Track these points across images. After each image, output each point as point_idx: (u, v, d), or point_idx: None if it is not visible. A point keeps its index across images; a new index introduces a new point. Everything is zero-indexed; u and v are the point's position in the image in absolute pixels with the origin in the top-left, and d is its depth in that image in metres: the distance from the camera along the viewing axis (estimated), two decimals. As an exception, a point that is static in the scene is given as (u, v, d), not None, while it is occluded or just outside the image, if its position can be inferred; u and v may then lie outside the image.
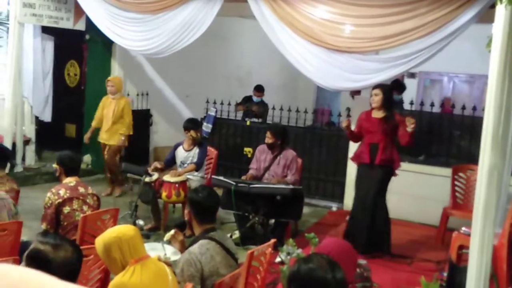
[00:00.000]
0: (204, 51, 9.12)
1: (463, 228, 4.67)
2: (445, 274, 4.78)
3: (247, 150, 8.10)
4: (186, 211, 3.68)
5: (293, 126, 7.87)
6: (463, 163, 6.47)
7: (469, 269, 3.80)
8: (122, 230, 2.93)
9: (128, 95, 8.69)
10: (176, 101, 9.68)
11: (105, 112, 7.45)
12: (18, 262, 3.04)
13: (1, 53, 7.97)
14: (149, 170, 6.08)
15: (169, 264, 3.15)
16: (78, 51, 8.76)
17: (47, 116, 8.68)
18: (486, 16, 4.80)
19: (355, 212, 5.71)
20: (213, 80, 9.84)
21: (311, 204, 7.47)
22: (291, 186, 5.76)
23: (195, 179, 6.30)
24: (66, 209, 4.27)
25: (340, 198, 7.59)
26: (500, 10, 3.59)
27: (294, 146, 7.14)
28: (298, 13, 5.91)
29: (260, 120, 8.70)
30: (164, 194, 6.04)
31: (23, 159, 8.05)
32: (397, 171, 5.64)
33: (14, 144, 7.64)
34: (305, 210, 6.40)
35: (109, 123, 7.39)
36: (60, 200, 4.25)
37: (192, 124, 6.43)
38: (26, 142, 8.08)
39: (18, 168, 7.86)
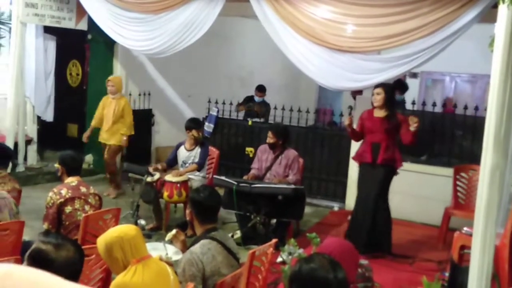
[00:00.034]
0: (206, 51, 9.12)
1: (465, 228, 4.67)
2: (447, 274, 4.77)
3: (249, 150, 8.10)
4: (187, 211, 3.68)
5: (295, 126, 7.86)
6: (465, 163, 6.46)
7: (470, 269, 3.80)
8: (124, 229, 2.93)
9: (130, 95, 8.70)
10: (178, 101, 9.69)
11: (105, 112, 7.45)
12: (19, 261, 3.04)
13: (4, 53, 7.99)
14: (151, 170, 6.08)
15: (171, 264, 3.15)
16: (80, 51, 8.77)
17: (49, 116, 8.69)
18: (489, 15, 4.79)
19: (357, 211, 5.70)
20: (215, 80, 9.84)
21: (313, 204, 7.46)
22: (292, 186, 5.75)
23: (196, 178, 6.30)
24: (68, 209, 4.27)
25: (341, 198, 7.58)
26: (503, 10, 3.59)
27: (296, 146, 7.14)
28: (300, 12, 5.91)
29: (262, 120, 8.70)
30: (165, 194, 6.04)
31: (25, 158, 8.06)
32: (398, 170, 5.63)
33: (16, 144, 7.64)
34: (307, 210, 6.39)
35: (109, 123, 7.39)
36: (62, 199, 4.25)
37: (194, 124, 6.43)
38: (28, 141, 8.09)
39: (20, 168, 7.87)
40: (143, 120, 8.93)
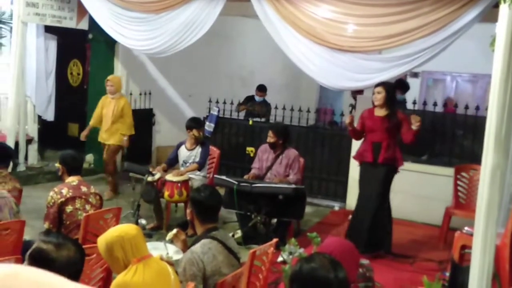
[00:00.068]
0: (207, 51, 9.12)
1: (466, 228, 4.67)
2: (448, 274, 4.77)
3: (250, 149, 8.10)
4: (188, 211, 3.68)
5: (296, 125, 7.86)
6: (466, 163, 6.46)
7: (471, 269, 3.79)
8: (125, 229, 2.93)
9: (130, 94, 8.71)
10: (179, 100, 9.69)
11: (105, 112, 7.42)
12: (20, 261, 3.04)
13: (4, 52, 7.99)
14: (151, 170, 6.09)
15: (171, 263, 3.15)
16: (81, 51, 8.77)
17: (50, 115, 8.69)
18: (490, 15, 4.79)
19: (359, 211, 5.69)
20: (215, 80, 9.84)
21: (314, 204, 7.46)
22: (293, 186, 5.75)
23: (197, 178, 6.30)
24: (69, 208, 4.27)
25: (342, 197, 7.58)
26: (504, 10, 3.58)
27: (297, 145, 7.14)
28: (301, 12, 5.91)
29: (262, 119, 8.70)
30: (166, 193, 6.04)
31: (26, 158, 8.07)
32: (399, 169, 5.63)
33: (16, 143, 7.65)
34: (308, 209, 6.39)
35: (108, 122, 7.37)
36: (63, 199, 4.25)
37: (194, 123, 6.43)
38: (29, 141, 8.10)
39: (21, 167, 7.88)
40: (143, 120, 8.93)
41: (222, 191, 5.39)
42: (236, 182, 5.78)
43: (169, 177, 6.12)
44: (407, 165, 5.99)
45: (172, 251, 3.90)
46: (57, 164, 4.54)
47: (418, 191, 6.86)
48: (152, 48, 7.20)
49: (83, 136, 7.60)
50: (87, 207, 4.36)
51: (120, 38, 7.46)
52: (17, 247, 3.83)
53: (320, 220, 6.92)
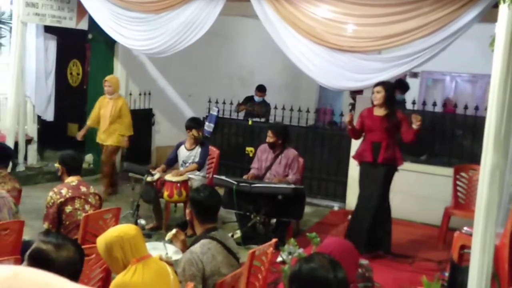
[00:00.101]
0: (207, 51, 9.12)
1: (465, 228, 4.67)
2: (447, 274, 4.77)
3: (249, 149, 8.10)
4: (187, 211, 3.68)
5: (295, 125, 7.86)
6: (465, 163, 6.46)
7: (470, 269, 3.79)
8: (124, 229, 2.93)
9: (130, 94, 8.71)
10: (179, 100, 9.69)
11: (102, 112, 7.41)
12: (19, 261, 3.04)
13: (4, 52, 7.99)
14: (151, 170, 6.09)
15: (171, 263, 3.15)
16: (81, 51, 8.77)
17: (49, 116, 8.69)
18: (489, 15, 4.79)
19: (359, 211, 5.67)
20: (215, 80, 9.84)
21: (313, 204, 7.46)
22: (292, 186, 5.75)
23: (197, 178, 6.30)
24: (68, 209, 4.27)
25: (342, 197, 7.58)
26: (503, 10, 3.58)
27: (296, 145, 7.14)
28: (301, 12, 5.91)
29: (262, 119, 8.70)
30: (165, 193, 6.04)
31: (25, 158, 8.06)
32: (398, 168, 5.63)
33: (16, 143, 7.64)
34: (307, 209, 6.40)
35: (106, 123, 7.35)
36: (62, 199, 4.25)
37: (194, 123, 6.43)
38: (28, 141, 8.10)
39: (20, 167, 7.87)
40: (143, 120, 8.93)
41: (221, 191, 5.39)
42: (235, 182, 5.78)
43: (169, 177, 6.12)
44: (407, 165, 5.99)
45: (172, 251, 3.90)
46: (56, 164, 4.54)
47: (417, 191, 6.86)
48: (152, 48, 7.20)
49: (80, 136, 7.58)
50: (87, 207, 4.36)
51: (120, 38, 7.46)
52: (16, 247, 3.83)
53: (319, 220, 6.92)
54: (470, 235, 3.97)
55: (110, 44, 8.27)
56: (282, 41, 6.14)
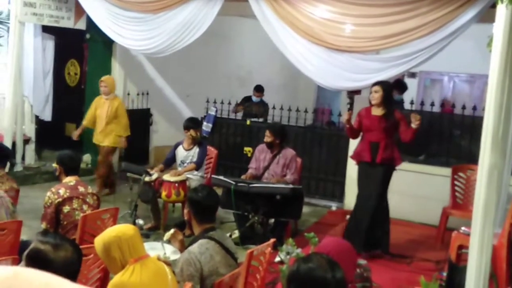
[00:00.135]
0: (205, 51, 9.12)
1: (463, 228, 4.67)
2: (445, 274, 4.78)
3: (247, 149, 8.10)
4: (185, 211, 3.69)
5: (294, 125, 7.87)
6: (463, 163, 6.47)
7: (468, 269, 3.80)
8: (122, 229, 2.93)
9: (128, 94, 8.71)
10: (177, 100, 9.68)
11: (99, 113, 7.39)
12: (17, 261, 3.04)
13: (2, 52, 7.98)
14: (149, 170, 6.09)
15: (169, 263, 3.15)
16: (79, 50, 8.75)
17: (47, 115, 8.68)
18: (487, 15, 4.79)
19: (357, 211, 5.67)
20: (213, 80, 9.83)
21: (311, 204, 7.47)
22: (291, 186, 5.75)
23: (195, 178, 6.30)
24: (66, 209, 4.27)
25: (340, 197, 7.59)
26: (501, 10, 3.59)
27: (294, 145, 7.14)
28: (299, 12, 5.91)
29: (260, 119, 8.70)
30: (164, 193, 6.04)
31: (23, 158, 8.05)
32: (397, 167, 5.63)
33: (14, 143, 7.63)
34: (305, 209, 6.39)
35: (102, 124, 7.33)
36: (60, 199, 4.25)
37: (192, 123, 6.43)
38: (26, 141, 8.08)
39: (18, 167, 7.86)
40: (141, 120, 8.93)
41: (219, 191, 5.39)
42: (233, 182, 5.78)
43: (167, 177, 6.12)
44: (405, 165, 6.00)
45: (170, 251, 3.90)
46: (54, 164, 4.54)
47: (415, 191, 6.87)
48: (150, 48, 7.19)
49: (75, 135, 7.55)
50: (85, 207, 4.35)
51: (118, 38, 7.45)
52: (14, 247, 3.82)
53: (317, 220, 6.93)
54: (468, 235, 3.98)
55: (108, 44, 8.26)
56: (280, 41, 6.14)
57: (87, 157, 8.58)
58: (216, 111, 8.55)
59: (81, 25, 8.16)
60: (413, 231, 6.58)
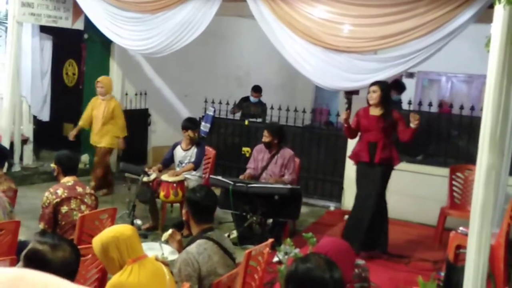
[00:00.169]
0: (203, 51, 9.12)
1: (461, 228, 4.68)
2: (443, 273, 4.78)
3: (245, 149, 8.09)
4: (184, 211, 3.67)
5: (292, 125, 7.87)
6: (461, 163, 6.48)
7: (466, 268, 3.80)
8: (120, 229, 2.93)
9: (126, 94, 8.70)
10: (175, 100, 9.68)
11: (95, 114, 7.36)
12: (15, 262, 3.04)
13: (0, 52, 7.97)
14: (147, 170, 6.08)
15: (167, 263, 3.15)
16: (77, 51, 8.75)
17: (45, 116, 8.67)
18: (485, 16, 4.80)
19: (356, 211, 5.66)
20: (211, 80, 9.83)
21: (309, 204, 7.47)
22: (289, 186, 5.75)
23: (193, 178, 6.30)
24: (64, 209, 4.26)
25: (338, 197, 7.59)
26: (499, 10, 3.59)
27: (293, 145, 7.14)
28: (297, 12, 5.91)
29: (258, 120, 8.70)
30: (162, 193, 6.04)
31: (21, 158, 8.04)
32: (395, 167, 5.63)
33: (12, 144, 7.63)
34: (303, 209, 6.40)
35: (99, 124, 7.30)
36: (58, 199, 4.24)
37: (190, 124, 6.43)
38: (24, 141, 8.07)
39: (16, 168, 7.85)
40: (139, 120, 8.92)
41: (217, 191, 5.39)
42: (231, 183, 5.78)
43: (165, 177, 6.11)
44: (403, 165, 6.00)
45: (168, 252, 3.90)
46: (52, 165, 4.53)
47: (413, 191, 6.87)
48: (148, 48, 7.19)
49: (71, 135, 7.49)
50: (83, 207, 4.35)
51: (116, 38, 7.44)
52: (12, 247, 3.82)
53: (315, 221, 6.93)
54: (466, 235, 3.98)
55: (106, 44, 8.26)
56: (278, 41, 6.14)
57: (85, 157, 8.57)
58: (214, 111, 8.55)
59: (79, 25, 8.15)
60: (411, 231, 6.58)
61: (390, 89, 6.05)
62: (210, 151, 6.98)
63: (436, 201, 6.38)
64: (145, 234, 5.82)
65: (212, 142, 8.27)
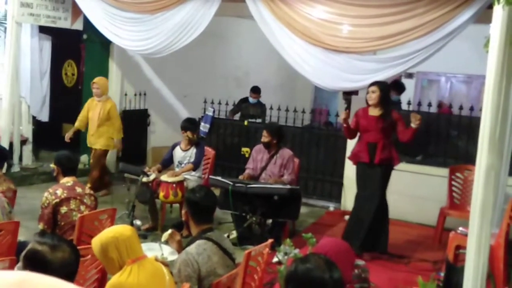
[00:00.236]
0: (202, 51, 9.12)
1: (460, 228, 4.69)
2: (442, 274, 4.78)
3: (245, 150, 8.10)
4: (183, 211, 3.68)
5: (291, 126, 7.87)
6: (460, 163, 6.48)
7: (466, 269, 3.81)
8: (119, 230, 2.93)
9: (125, 95, 8.70)
10: (174, 101, 9.68)
11: (91, 115, 7.32)
12: (15, 262, 3.03)
13: (-1, 52, 7.98)
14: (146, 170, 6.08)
15: (166, 264, 3.15)
16: (76, 51, 8.74)
17: (44, 116, 8.67)
18: (484, 16, 4.81)
19: (357, 211, 5.65)
20: (211, 80, 9.83)
21: (309, 204, 7.47)
22: (288, 186, 5.75)
23: (192, 179, 6.29)
24: (63, 209, 4.26)
25: (337, 198, 7.59)
26: (498, 11, 3.60)
27: (292, 146, 7.15)
28: (296, 13, 5.91)
29: (258, 120, 8.70)
30: (161, 194, 6.03)
31: (20, 159, 8.03)
32: (395, 167, 5.63)
33: (11, 144, 7.62)
34: (303, 210, 6.40)
35: (94, 126, 7.27)
36: (57, 200, 4.24)
37: (189, 124, 6.42)
38: (23, 142, 8.07)
39: (15, 168, 7.85)
40: (138, 120, 8.92)
41: (217, 191, 5.39)
42: (231, 183, 5.77)
43: (164, 177, 6.11)
44: (402, 166, 6.00)
45: (167, 252, 3.90)
46: (52, 165, 4.53)
47: (412, 192, 6.87)
48: (147, 48, 7.19)
49: (67, 137, 7.43)
50: (82, 208, 4.35)
51: (115, 38, 7.44)
52: (12, 248, 3.81)
53: (315, 221, 6.93)
54: (466, 235, 3.98)
55: (105, 44, 8.26)
56: (277, 42, 6.14)
57: (84, 158, 8.57)
58: (214, 111, 8.55)
59: (78, 25, 8.15)
60: (410, 231, 6.58)
61: (390, 89, 6.05)
62: (209, 151, 6.98)
63: (436, 201, 6.38)
64: (145, 235, 5.82)
65: (212, 142, 8.26)
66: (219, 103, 8.56)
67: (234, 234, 5.80)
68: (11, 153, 7.52)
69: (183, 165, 6.39)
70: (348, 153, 6.22)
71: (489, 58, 3.70)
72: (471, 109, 6.76)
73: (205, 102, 8.65)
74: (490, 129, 3.66)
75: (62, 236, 3.99)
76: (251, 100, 9.09)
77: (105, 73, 8.25)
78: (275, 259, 4.95)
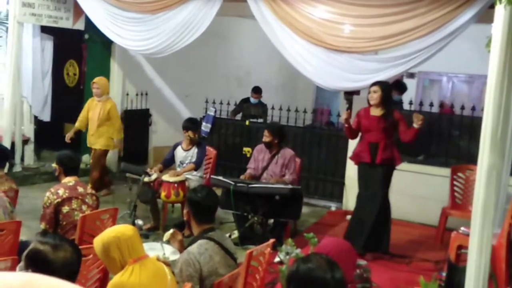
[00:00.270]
0: (204, 51, 9.12)
1: (462, 228, 4.68)
2: (444, 274, 4.78)
3: (246, 150, 8.09)
4: (185, 211, 3.68)
5: (292, 126, 7.86)
6: (462, 163, 6.47)
7: (468, 269, 3.80)
8: (121, 229, 2.93)
9: (127, 94, 8.70)
10: (176, 101, 9.68)
11: (91, 115, 7.32)
12: (16, 262, 3.04)
13: (0, 52, 7.98)
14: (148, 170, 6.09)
15: (168, 264, 3.15)
16: (78, 51, 8.75)
17: (46, 116, 8.68)
18: (486, 16, 4.80)
19: (359, 211, 5.64)
20: (212, 80, 9.84)
21: (310, 204, 7.47)
22: (290, 186, 5.75)
23: (194, 178, 6.30)
24: (65, 209, 4.26)
25: (339, 198, 7.59)
26: (500, 10, 3.59)
27: (294, 146, 7.14)
28: (298, 13, 5.91)
29: (259, 120, 8.70)
30: (163, 194, 6.04)
31: (22, 158, 8.04)
32: (396, 167, 5.62)
33: (13, 144, 7.63)
34: (304, 210, 6.40)
35: (94, 126, 7.26)
36: (59, 199, 4.24)
37: (191, 124, 6.43)
38: (25, 141, 8.08)
39: (17, 168, 7.86)
40: (140, 120, 8.93)
41: (219, 191, 5.39)
42: (232, 183, 5.77)
43: (166, 177, 6.12)
44: (404, 166, 5.99)
45: (169, 252, 3.90)
46: (54, 165, 4.53)
47: (414, 192, 6.87)
48: (148, 48, 7.19)
49: (67, 137, 7.44)
50: (84, 207, 4.35)
51: (117, 38, 7.45)
52: (14, 247, 3.82)
53: (317, 221, 6.92)
54: (467, 235, 3.98)
55: (106, 44, 8.26)
56: (279, 42, 6.14)
57: (85, 158, 8.58)
58: (215, 111, 8.55)
59: (80, 25, 8.16)
60: (412, 231, 6.58)
61: (391, 89, 6.05)
62: (211, 151, 6.98)
63: (437, 201, 6.38)
64: (147, 234, 5.83)
65: (213, 142, 8.27)
66: (221, 103, 8.57)
67: (235, 234, 5.80)
68: (13, 153, 7.53)
69: (184, 165, 6.39)
70: (349, 153, 6.21)
71: (491, 58, 3.69)
72: (473, 109, 6.75)
73: (206, 102, 8.65)
74: (492, 129, 3.66)
75: (64, 235, 3.99)
76: (252, 100, 9.09)
77: (106, 73, 8.26)
78: (276, 259, 4.95)
